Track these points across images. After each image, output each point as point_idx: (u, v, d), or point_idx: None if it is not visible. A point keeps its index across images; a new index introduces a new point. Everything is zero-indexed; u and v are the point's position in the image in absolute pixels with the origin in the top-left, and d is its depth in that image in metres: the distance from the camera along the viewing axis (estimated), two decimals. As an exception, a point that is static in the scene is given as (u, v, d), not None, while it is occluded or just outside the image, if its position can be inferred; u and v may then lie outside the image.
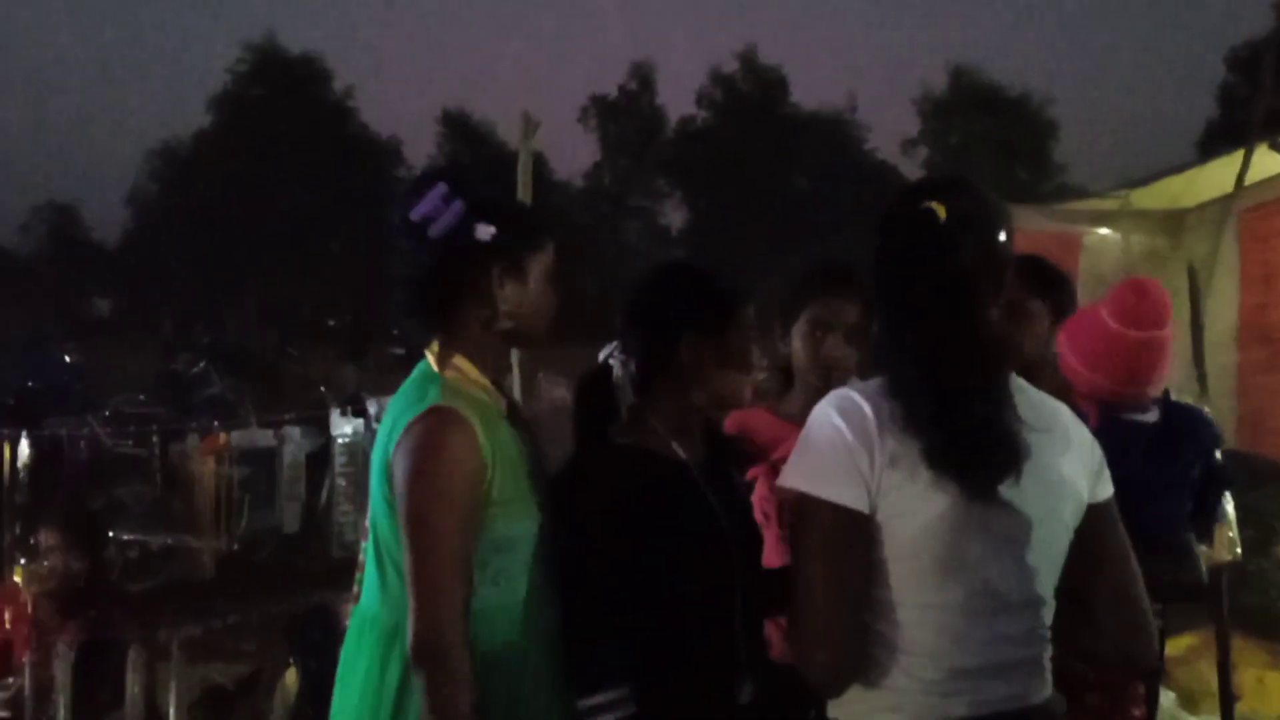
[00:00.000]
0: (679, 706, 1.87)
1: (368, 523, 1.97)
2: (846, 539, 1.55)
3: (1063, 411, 1.65)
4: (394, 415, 1.83)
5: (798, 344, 2.27)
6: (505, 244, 1.86)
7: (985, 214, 1.60)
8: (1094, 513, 1.60)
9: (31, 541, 3.57)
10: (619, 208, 40.09)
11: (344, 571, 4.41)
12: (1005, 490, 1.50)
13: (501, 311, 1.87)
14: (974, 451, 1.49)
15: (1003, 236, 1.60)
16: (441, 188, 1.84)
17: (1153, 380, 2.35)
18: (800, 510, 1.59)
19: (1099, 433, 1.69)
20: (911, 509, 1.52)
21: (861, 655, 1.57)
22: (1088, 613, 1.63)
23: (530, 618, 1.85)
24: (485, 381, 1.90)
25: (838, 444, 1.56)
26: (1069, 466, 1.59)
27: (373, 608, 1.88)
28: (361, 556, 2.11)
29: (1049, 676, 1.62)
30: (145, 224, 38.79)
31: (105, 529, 4.33)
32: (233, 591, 4.23)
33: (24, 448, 3.56)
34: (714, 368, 1.95)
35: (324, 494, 4.30)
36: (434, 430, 1.77)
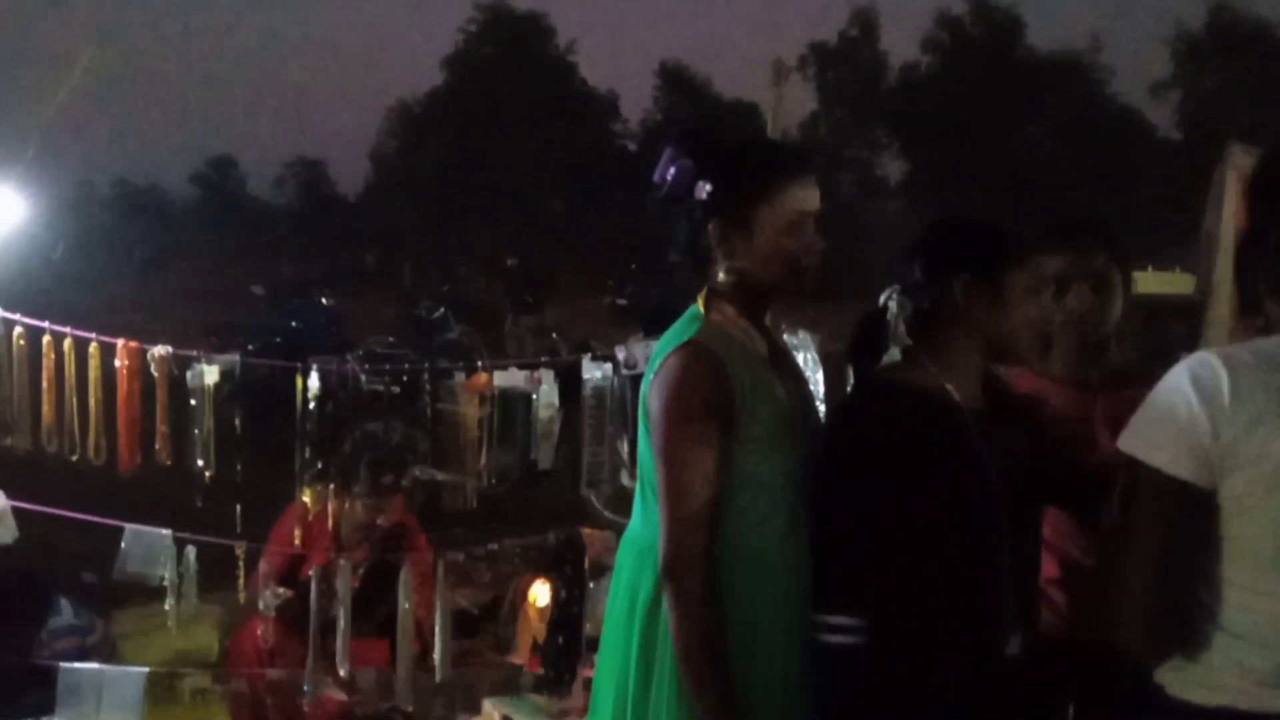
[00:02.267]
0: (919, 648, 1.88)
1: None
2: (1176, 509, 1.48)
3: None
4: (658, 352, 1.99)
5: (1046, 300, 2.27)
6: (724, 199, 1.95)
7: None
8: None
9: (319, 466, 3.95)
10: (835, 159, 39.11)
11: (591, 507, 4.65)
12: None
13: (726, 264, 1.97)
14: None
15: None
16: (669, 151, 2.00)
17: None
18: (1133, 474, 1.54)
19: None
20: (1259, 490, 1.42)
21: (1181, 627, 1.49)
22: None
23: (776, 555, 1.94)
24: (746, 325, 2.01)
25: (1179, 411, 1.47)
26: None
27: (636, 528, 2.06)
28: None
29: None
30: (385, 178, 41.17)
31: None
32: (491, 522, 4.53)
33: (314, 380, 3.92)
34: (988, 311, 1.95)
35: (557, 432, 4.48)
36: (684, 363, 1.91)
